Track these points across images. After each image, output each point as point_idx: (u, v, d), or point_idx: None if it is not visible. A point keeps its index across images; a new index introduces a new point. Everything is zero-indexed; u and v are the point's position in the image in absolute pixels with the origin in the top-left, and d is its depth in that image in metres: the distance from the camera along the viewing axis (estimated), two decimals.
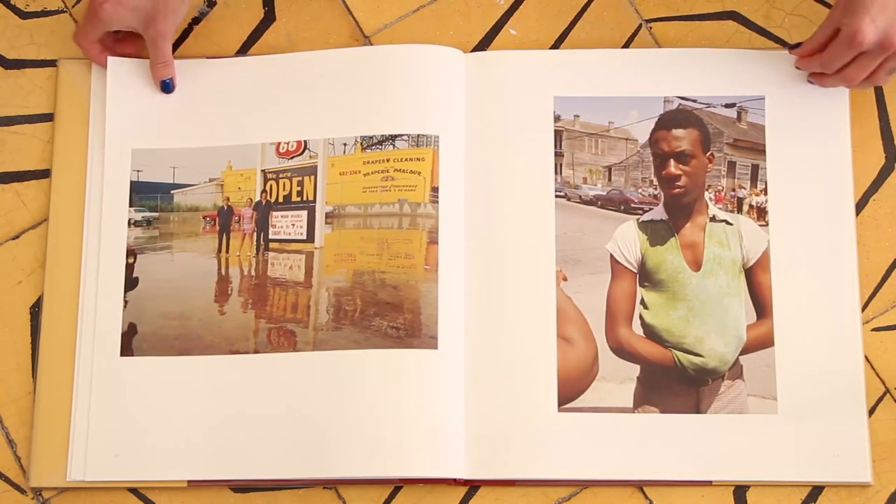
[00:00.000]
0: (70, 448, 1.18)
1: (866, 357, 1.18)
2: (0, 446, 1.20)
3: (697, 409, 1.17)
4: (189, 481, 1.17)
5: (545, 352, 1.18)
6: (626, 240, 1.22)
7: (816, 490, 1.16)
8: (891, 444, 1.17)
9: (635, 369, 1.18)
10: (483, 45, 1.27)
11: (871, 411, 1.18)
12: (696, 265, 1.21)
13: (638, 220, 1.22)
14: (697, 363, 1.18)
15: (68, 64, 1.27)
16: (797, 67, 1.22)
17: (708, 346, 1.18)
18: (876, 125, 1.24)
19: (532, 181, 1.23)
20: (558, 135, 1.24)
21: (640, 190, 1.23)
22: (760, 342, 1.18)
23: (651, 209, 1.22)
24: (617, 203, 1.23)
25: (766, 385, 1.17)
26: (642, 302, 1.20)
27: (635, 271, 1.21)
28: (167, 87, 1.24)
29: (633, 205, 1.23)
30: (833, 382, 1.17)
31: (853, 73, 1.18)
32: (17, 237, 1.24)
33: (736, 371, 1.18)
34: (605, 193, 1.24)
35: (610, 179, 1.24)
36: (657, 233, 1.22)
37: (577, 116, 1.24)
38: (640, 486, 1.17)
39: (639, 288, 1.20)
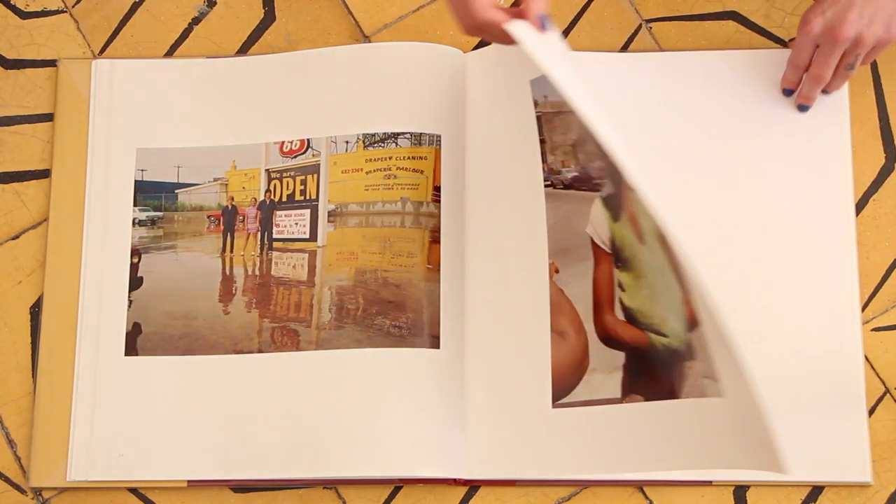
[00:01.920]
0: (71, 448, 1.18)
1: (866, 357, 1.18)
2: (0, 446, 1.19)
3: (672, 395, 1.09)
4: (189, 481, 1.17)
5: (541, 348, 1.17)
6: (598, 220, 1.16)
7: (816, 490, 1.16)
8: (891, 444, 1.17)
9: (621, 357, 1.14)
10: (483, 44, 1.27)
11: (871, 411, 1.18)
12: (640, 237, 1.13)
13: (601, 195, 1.16)
14: (665, 343, 1.11)
15: (68, 64, 1.27)
16: (786, 91, 1.23)
17: (669, 325, 1.11)
18: (876, 125, 1.24)
19: (532, 181, 1.22)
20: (538, 120, 1.19)
21: (596, 162, 1.17)
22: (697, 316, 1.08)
23: (605, 182, 1.17)
24: (586, 182, 1.17)
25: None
26: (620, 284, 1.15)
27: (610, 252, 1.15)
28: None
29: (594, 181, 1.16)
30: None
31: (816, 70, 1.19)
32: (17, 237, 1.24)
33: (690, 351, 1.08)
34: (578, 174, 1.18)
35: (577, 157, 1.18)
36: (613, 207, 1.15)
37: (546, 97, 1.20)
38: (640, 486, 1.17)
39: (615, 270, 1.15)
